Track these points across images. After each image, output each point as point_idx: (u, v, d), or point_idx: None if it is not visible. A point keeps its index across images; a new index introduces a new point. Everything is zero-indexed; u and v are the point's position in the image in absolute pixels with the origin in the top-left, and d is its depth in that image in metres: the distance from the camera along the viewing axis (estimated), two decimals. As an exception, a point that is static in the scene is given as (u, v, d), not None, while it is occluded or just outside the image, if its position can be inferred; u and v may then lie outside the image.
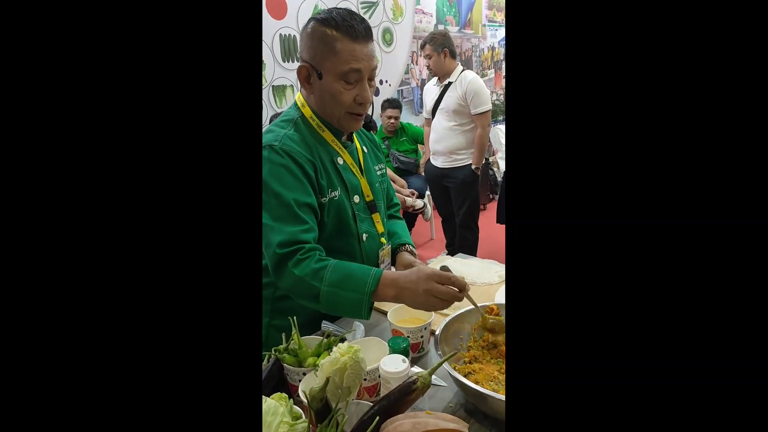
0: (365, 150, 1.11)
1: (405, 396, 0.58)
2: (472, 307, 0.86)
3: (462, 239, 2.83)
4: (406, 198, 3.09)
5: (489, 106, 2.55)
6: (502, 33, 5.27)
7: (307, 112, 0.99)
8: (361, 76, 0.92)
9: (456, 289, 0.79)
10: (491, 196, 4.49)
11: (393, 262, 1.17)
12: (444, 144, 2.65)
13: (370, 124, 1.24)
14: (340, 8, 0.93)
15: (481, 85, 2.53)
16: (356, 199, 1.02)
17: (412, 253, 1.16)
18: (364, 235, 1.04)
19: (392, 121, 3.35)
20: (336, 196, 0.97)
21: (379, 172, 1.15)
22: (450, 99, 2.55)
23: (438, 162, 2.73)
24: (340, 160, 1.01)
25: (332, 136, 1.00)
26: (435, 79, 2.69)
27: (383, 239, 1.10)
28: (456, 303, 0.87)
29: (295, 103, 1.03)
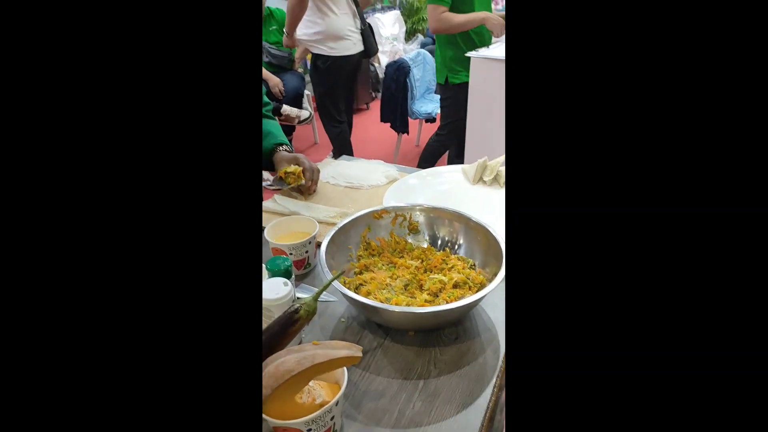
0: None
1: (287, 328, 0.50)
2: (360, 213, 0.78)
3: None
4: (291, 110, 2.75)
5: None
6: None
7: None
8: None
9: None
10: (373, 95, 4.34)
11: (268, 166, 1.04)
12: None
13: None
14: None
15: None
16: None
17: (288, 152, 1.04)
18: None
19: None
20: None
21: None
22: None
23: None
24: None
25: None
26: None
27: None
28: (345, 212, 0.83)
29: None
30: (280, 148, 1.05)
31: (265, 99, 1.12)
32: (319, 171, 1.05)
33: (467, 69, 1.95)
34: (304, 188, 1.02)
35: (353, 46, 2.26)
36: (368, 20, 2.37)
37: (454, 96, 2.05)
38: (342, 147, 2.54)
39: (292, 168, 1.00)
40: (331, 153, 2.77)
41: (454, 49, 1.98)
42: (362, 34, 2.28)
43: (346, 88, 2.43)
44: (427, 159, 2.32)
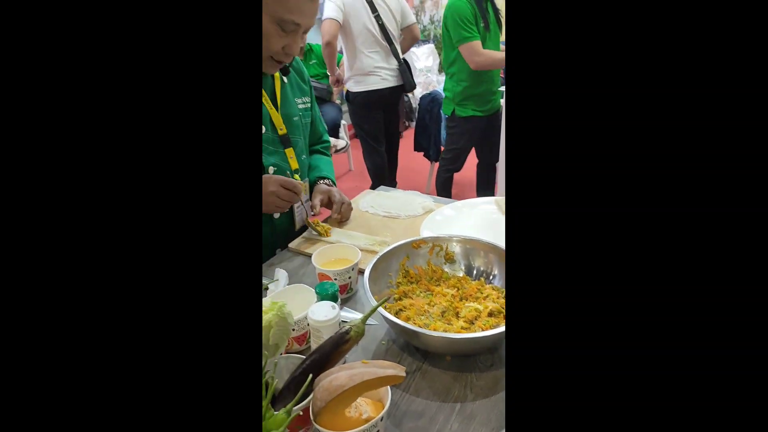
0: (285, 81, 1.05)
1: (338, 347, 0.55)
2: (400, 243, 0.84)
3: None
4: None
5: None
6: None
7: None
8: (297, 29, 0.86)
9: (295, 193, 0.97)
10: (407, 124, 4.47)
11: (309, 195, 1.13)
12: None
13: (285, 69, 1.02)
14: None
15: None
16: (263, 130, 0.98)
17: (328, 185, 1.13)
18: (271, 168, 1.01)
19: None
20: None
21: (301, 106, 1.09)
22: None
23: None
24: None
25: None
26: None
27: (297, 176, 1.06)
28: (384, 240, 0.89)
29: None
30: (322, 181, 1.14)
31: (324, 137, 1.23)
32: (350, 206, 1.12)
33: (475, 103, 2.17)
34: (333, 222, 1.10)
35: (382, 81, 2.40)
36: (404, 54, 2.50)
37: (459, 127, 2.24)
38: (378, 175, 2.66)
39: (322, 226, 1.06)
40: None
41: (464, 85, 2.14)
42: (399, 70, 2.42)
43: (381, 119, 2.56)
44: (443, 185, 2.48)
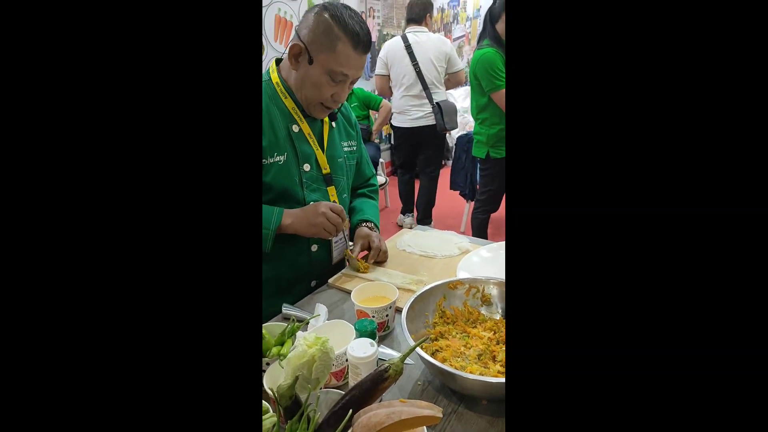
0: (334, 125, 1.12)
1: (377, 385, 0.57)
2: (437, 284, 0.86)
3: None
4: None
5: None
6: (451, -7, 5.15)
7: (275, 78, 1.02)
8: (346, 80, 0.96)
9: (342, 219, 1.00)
10: (444, 163, 4.53)
11: (351, 238, 1.17)
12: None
13: (333, 115, 1.22)
14: (352, 10, 0.95)
15: None
16: (306, 167, 1.04)
17: (371, 228, 1.16)
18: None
19: None
20: (281, 161, 1.00)
21: (347, 149, 1.15)
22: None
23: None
24: (295, 128, 1.03)
25: (293, 105, 1.02)
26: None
27: None
28: (421, 279, 0.92)
29: (267, 69, 1.04)
30: (364, 223, 1.17)
31: (372, 180, 1.29)
32: (386, 253, 1.15)
33: None
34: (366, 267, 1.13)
35: (412, 120, 2.78)
36: (443, 94, 2.81)
37: (492, 168, 2.31)
38: (403, 198, 3.14)
39: (361, 262, 1.10)
40: (407, 217, 3.19)
41: (498, 128, 2.19)
42: (432, 112, 2.71)
43: (410, 153, 2.95)
44: (479, 226, 2.52)
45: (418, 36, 2.63)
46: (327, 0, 1.27)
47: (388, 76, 2.77)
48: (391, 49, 2.69)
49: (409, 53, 2.61)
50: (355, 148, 1.18)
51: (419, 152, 2.92)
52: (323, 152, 1.08)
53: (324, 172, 1.08)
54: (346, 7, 0.95)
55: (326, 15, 0.92)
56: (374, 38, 4.07)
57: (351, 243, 1.15)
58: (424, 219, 3.09)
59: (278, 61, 1.06)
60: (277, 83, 1.02)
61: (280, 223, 0.97)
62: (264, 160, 0.98)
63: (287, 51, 0.97)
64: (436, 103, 2.68)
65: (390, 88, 2.84)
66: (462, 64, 2.80)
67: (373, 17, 4.04)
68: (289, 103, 1.01)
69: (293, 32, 0.98)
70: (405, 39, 2.62)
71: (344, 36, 0.91)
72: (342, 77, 0.95)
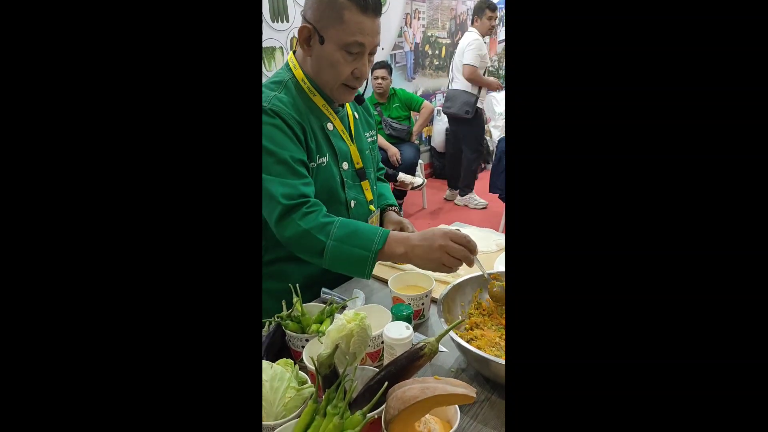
0: (356, 116, 1.09)
1: (413, 362, 0.58)
2: (473, 275, 0.86)
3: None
4: (405, 177, 3.09)
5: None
6: (498, -4, 5.10)
7: (299, 74, 0.96)
8: (363, 50, 0.89)
9: (468, 250, 0.79)
10: (483, 166, 4.47)
11: (380, 224, 1.17)
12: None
13: (360, 98, 1.23)
14: None
15: None
16: (345, 165, 1.01)
17: (397, 213, 1.16)
18: (353, 201, 1.04)
19: (379, 81, 3.18)
20: (324, 163, 0.96)
21: (369, 139, 1.13)
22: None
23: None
24: (330, 126, 0.99)
25: (323, 101, 0.98)
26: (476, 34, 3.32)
27: (372, 206, 1.09)
28: (458, 273, 0.89)
29: (287, 65, 0.99)
30: (391, 208, 1.17)
31: (381, 164, 1.26)
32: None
33: None
34: None
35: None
36: (486, 97, 3.34)
37: None
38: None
39: None
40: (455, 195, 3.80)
41: None
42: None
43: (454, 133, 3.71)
44: None
45: (466, 35, 3.34)
46: None
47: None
48: None
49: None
50: (375, 138, 1.15)
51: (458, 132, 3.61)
52: (356, 146, 1.05)
53: (357, 166, 1.04)
54: None
55: None
56: (419, 40, 4.09)
57: None
58: (465, 189, 3.67)
59: (295, 53, 0.99)
60: (302, 80, 0.95)
61: (382, 247, 0.82)
62: (312, 163, 0.93)
63: (297, 35, 0.91)
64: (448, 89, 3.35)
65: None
66: (469, 59, 3.26)
67: (419, 19, 4.06)
68: (318, 100, 0.96)
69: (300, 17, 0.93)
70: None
71: (348, 2, 0.84)
72: (358, 47, 0.87)
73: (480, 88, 3.38)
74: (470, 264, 0.80)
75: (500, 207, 3.29)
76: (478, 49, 3.24)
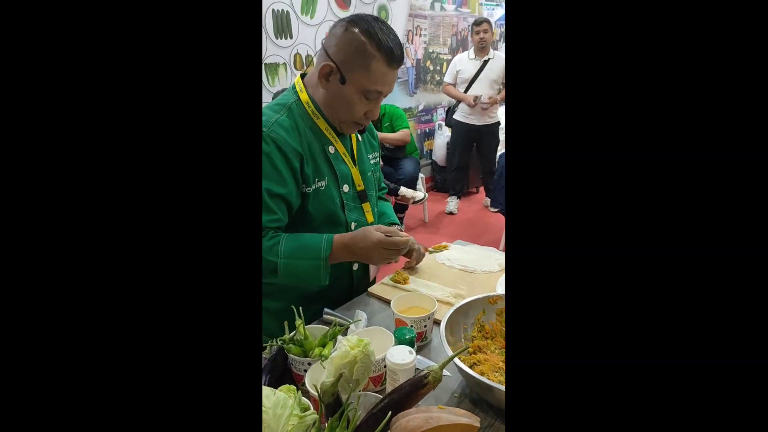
0: (359, 138, 1.10)
1: (416, 390, 0.58)
2: (475, 297, 0.86)
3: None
4: (406, 191, 3.09)
5: None
6: (498, 12, 5.17)
7: (304, 97, 0.97)
8: (380, 97, 0.93)
9: (398, 237, 0.92)
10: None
11: None
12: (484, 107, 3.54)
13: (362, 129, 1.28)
14: (382, 22, 0.91)
15: None
16: (345, 188, 1.02)
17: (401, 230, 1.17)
18: (353, 224, 1.04)
19: None
20: (322, 186, 0.97)
21: (372, 161, 1.14)
22: (493, 72, 3.44)
23: (473, 120, 3.60)
24: (331, 149, 1.00)
25: (326, 125, 0.98)
26: (468, 53, 3.51)
27: None
28: (460, 293, 0.90)
29: (293, 87, 1.00)
30: (394, 226, 1.17)
31: (382, 184, 1.27)
32: (423, 254, 1.15)
33: None
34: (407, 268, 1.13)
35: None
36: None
37: None
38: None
39: (401, 274, 1.11)
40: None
41: None
42: None
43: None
44: None
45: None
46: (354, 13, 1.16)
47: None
48: None
49: None
50: (377, 160, 1.16)
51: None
52: (358, 169, 1.06)
53: (358, 189, 1.05)
54: (376, 18, 0.90)
55: (357, 31, 0.87)
56: (420, 56, 4.14)
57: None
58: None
59: (303, 76, 1.01)
60: (307, 103, 0.96)
61: (330, 252, 0.91)
62: (307, 188, 0.95)
63: (317, 70, 0.92)
64: None
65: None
66: (447, 77, 3.63)
67: (420, 35, 4.12)
68: (321, 123, 0.97)
69: (320, 50, 0.96)
70: None
71: (379, 54, 0.87)
72: (376, 95, 0.92)
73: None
74: (406, 248, 0.95)
75: (500, 223, 3.29)
76: (454, 66, 3.60)
